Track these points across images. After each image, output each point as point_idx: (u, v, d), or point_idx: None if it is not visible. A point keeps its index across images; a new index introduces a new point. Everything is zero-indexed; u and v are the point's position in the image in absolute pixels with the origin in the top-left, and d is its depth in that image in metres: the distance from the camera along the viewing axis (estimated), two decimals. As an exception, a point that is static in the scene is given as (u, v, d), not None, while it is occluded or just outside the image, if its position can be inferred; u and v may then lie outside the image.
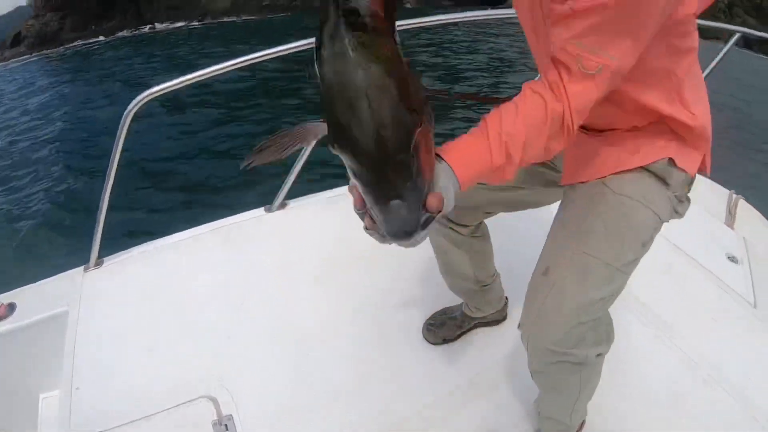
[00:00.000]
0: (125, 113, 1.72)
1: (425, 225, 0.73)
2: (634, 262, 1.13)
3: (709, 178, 2.57)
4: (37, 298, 1.86)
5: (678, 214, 1.17)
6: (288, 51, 1.94)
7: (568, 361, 1.13)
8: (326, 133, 0.69)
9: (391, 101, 0.61)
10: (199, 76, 1.84)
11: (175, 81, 1.78)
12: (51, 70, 30.48)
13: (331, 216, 2.31)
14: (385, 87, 0.60)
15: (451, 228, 1.50)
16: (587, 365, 1.18)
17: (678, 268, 2.16)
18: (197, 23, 44.41)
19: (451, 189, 0.79)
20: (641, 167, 1.09)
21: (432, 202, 0.72)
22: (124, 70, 19.79)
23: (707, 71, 2.28)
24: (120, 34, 47.93)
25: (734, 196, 2.55)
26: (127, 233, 2.74)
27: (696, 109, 1.04)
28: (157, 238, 2.18)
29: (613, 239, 1.09)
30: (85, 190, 5.65)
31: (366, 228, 0.78)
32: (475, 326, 1.91)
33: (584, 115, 0.86)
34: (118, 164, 1.82)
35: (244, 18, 43.60)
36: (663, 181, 1.10)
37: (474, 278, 1.68)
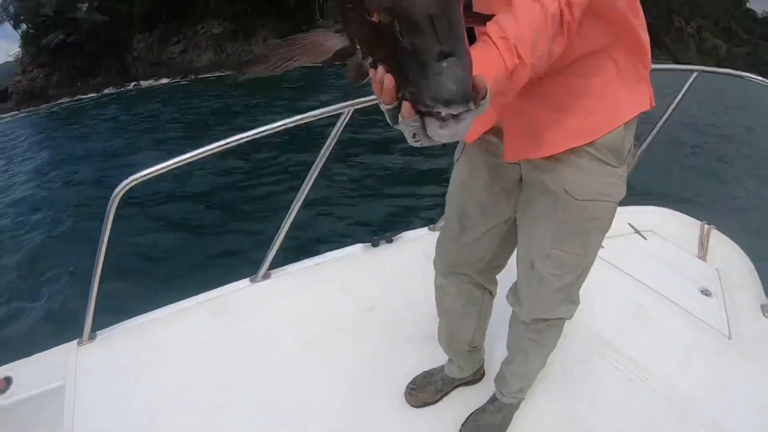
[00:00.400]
0: (112, 197, 1.77)
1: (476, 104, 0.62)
2: (600, 245, 1.31)
3: (680, 211, 2.61)
4: (33, 372, 1.87)
5: (629, 166, 1.20)
6: (267, 132, 2.03)
7: (552, 323, 1.48)
8: (342, 45, 0.68)
9: None
10: (183, 160, 1.90)
11: (160, 165, 1.85)
12: (39, 126, 30.64)
13: (314, 284, 2.39)
14: None
15: (476, 285, 1.61)
16: (563, 321, 1.51)
17: (650, 308, 2.17)
18: (180, 79, 45.19)
19: None
20: (592, 143, 1.10)
21: (479, 80, 0.63)
22: (111, 127, 20.07)
23: (670, 109, 2.36)
24: (106, 90, 48.63)
25: (706, 226, 2.53)
26: (118, 306, 2.76)
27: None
28: (147, 311, 2.22)
29: (582, 238, 1.24)
30: (69, 258, 5.61)
31: (401, 121, 0.65)
32: (455, 387, 1.98)
33: (582, 6, 0.85)
34: (106, 246, 1.87)
35: (226, 73, 44.43)
36: (617, 155, 1.13)
37: (471, 341, 1.78)
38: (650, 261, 2.32)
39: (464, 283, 1.60)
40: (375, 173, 7.71)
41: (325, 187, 6.13)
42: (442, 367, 2.00)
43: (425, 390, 1.96)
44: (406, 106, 0.63)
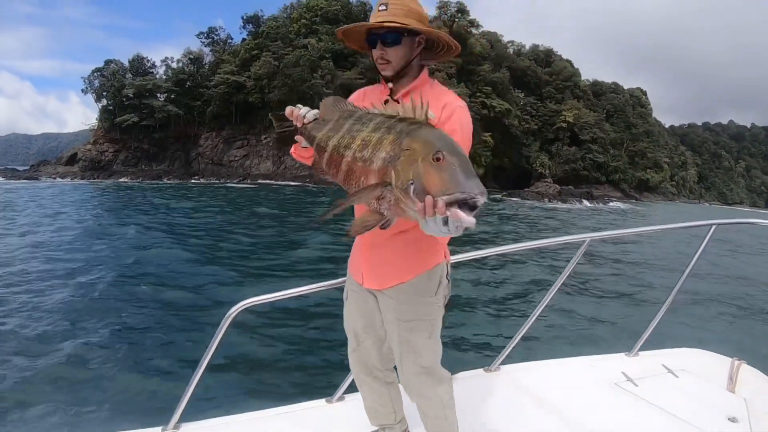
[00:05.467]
0: (226, 316, 1.90)
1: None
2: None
3: (714, 351, 2.69)
4: None
5: (445, 299, 1.55)
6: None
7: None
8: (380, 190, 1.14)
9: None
10: (300, 291, 2.00)
11: (275, 294, 1.96)
12: (96, 195, 32.49)
13: None
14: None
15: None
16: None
17: None
18: (236, 183, 47.21)
19: None
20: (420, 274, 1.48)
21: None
22: (167, 215, 20.68)
23: (692, 262, 2.45)
24: (166, 179, 51.30)
25: (737, 362, 2.56)
26: (205, 402, 2.62)
27: None
28: (231, 413, 2.25)
29: (417, 348, 1.53)
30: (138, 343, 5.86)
31: (453, 222, 1.02)
32: None
33: None
34: (210, 359, 1.96)
35: (282, 183, 46.38)
36: (437, 283, 1.50)
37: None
38: (681, 396, 2.38)
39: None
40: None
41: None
42: None
43: None
44: (455, 212, 1.00)
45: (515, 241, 18.15)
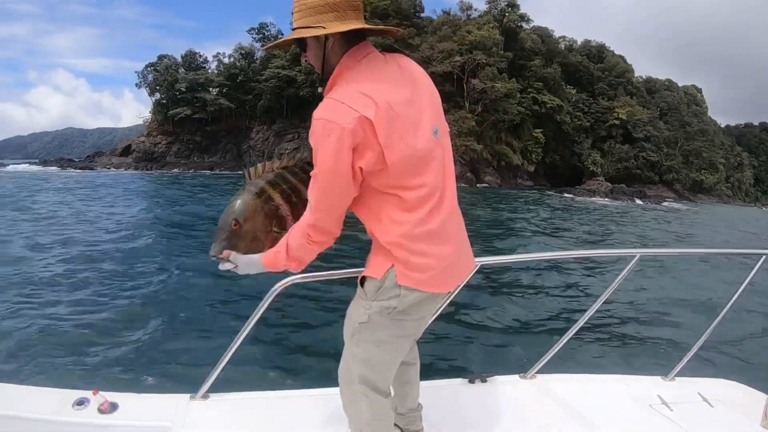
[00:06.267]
0: (270, 291, 1.89)
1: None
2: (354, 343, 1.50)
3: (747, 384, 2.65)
4: (140, 409, 1.98)
5: (387, 309, 1.40)
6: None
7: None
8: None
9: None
10: (349, 273, 1.90)
11: (323, 273, 1.97)
12: (150, 184, 33.73)
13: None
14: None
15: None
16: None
17: None
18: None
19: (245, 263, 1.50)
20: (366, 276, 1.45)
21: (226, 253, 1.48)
22: (215, 203, 21.23)
23: (738, 292, 2.40)
24: (217, 170, 52.49)
25: None
26: (234, 376, 2.53)
27: (386, 230, 1.36)
28: (263, 390, 2.24)
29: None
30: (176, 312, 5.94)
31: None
32: None
33: (327, 224, 1.35)
34: (251, 328, 1.96)
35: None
36: (368, 293, 1.43)
37: None
38: (715, 426, 2.36)
39: None
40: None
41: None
42: None
43: None
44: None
45: (563, 233, 17.44)
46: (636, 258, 2.33)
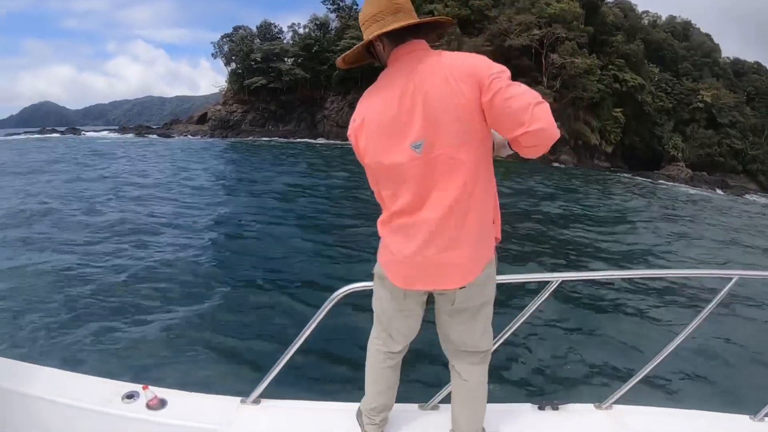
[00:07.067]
0: (330, 298, 1.86)
1: None
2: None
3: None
4: (188, 408, 1.92)
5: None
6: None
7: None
8: None
9: None
10: None
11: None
12: (227, 150, 35.04)
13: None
14: None
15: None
16: None
17: None
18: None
19: None
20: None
21: None
22: (286, 170, 23.07)
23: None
24: (291, 138, 53.84)
25: None
26: (290, 382, 2.80)
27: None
28: (316, 399, 2.19)
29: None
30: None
31: None
32: None
33: None
34: (310, 333, 1.92)
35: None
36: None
37: None
38: None
39: None
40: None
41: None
42: None
43: None
44: None
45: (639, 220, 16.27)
46: (734, 280, 2.11)
